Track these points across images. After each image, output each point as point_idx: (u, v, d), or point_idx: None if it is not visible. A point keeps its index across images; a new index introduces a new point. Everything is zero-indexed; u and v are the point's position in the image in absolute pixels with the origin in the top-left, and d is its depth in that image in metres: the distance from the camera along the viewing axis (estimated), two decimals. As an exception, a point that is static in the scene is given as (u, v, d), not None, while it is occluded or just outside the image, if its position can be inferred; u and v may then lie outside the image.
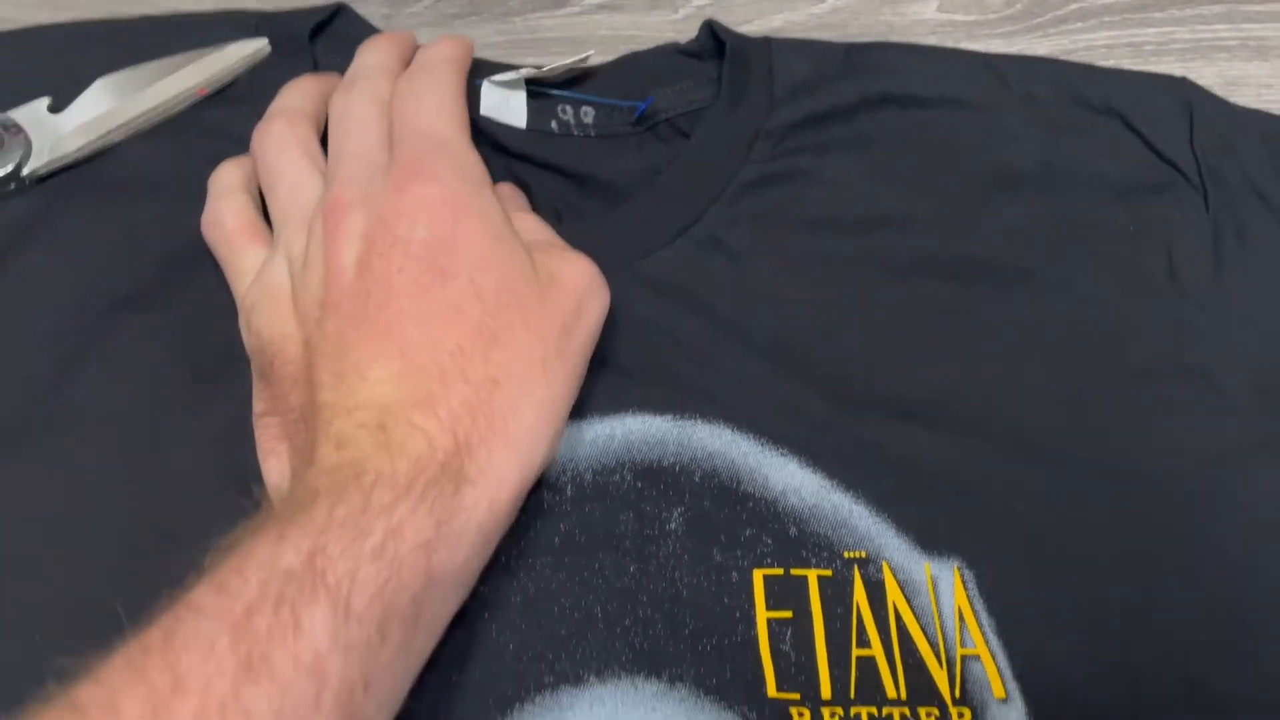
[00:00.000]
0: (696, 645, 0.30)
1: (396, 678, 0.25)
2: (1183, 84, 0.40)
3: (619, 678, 0.30)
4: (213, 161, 0.36)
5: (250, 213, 0.34)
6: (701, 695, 0.29)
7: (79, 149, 0.37)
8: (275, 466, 0.31)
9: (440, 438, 0.27)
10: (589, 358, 0.32)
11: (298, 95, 0.36)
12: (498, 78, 0.39)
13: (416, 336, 0.28)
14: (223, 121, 0.39)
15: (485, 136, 0.38)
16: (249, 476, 0.31)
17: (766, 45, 0.40)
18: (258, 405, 0.32)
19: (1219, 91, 0.40)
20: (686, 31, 0.41)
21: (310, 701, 0.22)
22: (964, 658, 0.30)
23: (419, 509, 0.26)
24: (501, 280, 0.30)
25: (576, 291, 0.31)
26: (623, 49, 0.41)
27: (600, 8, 0.45)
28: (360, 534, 0.25)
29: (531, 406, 0.29)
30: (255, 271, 0.33)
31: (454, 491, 0.26)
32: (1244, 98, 0.41)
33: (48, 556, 0.31)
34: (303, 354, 0.30)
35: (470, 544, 0.27)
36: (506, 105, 0.39)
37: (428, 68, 0.35)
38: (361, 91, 0.34)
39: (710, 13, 0.43)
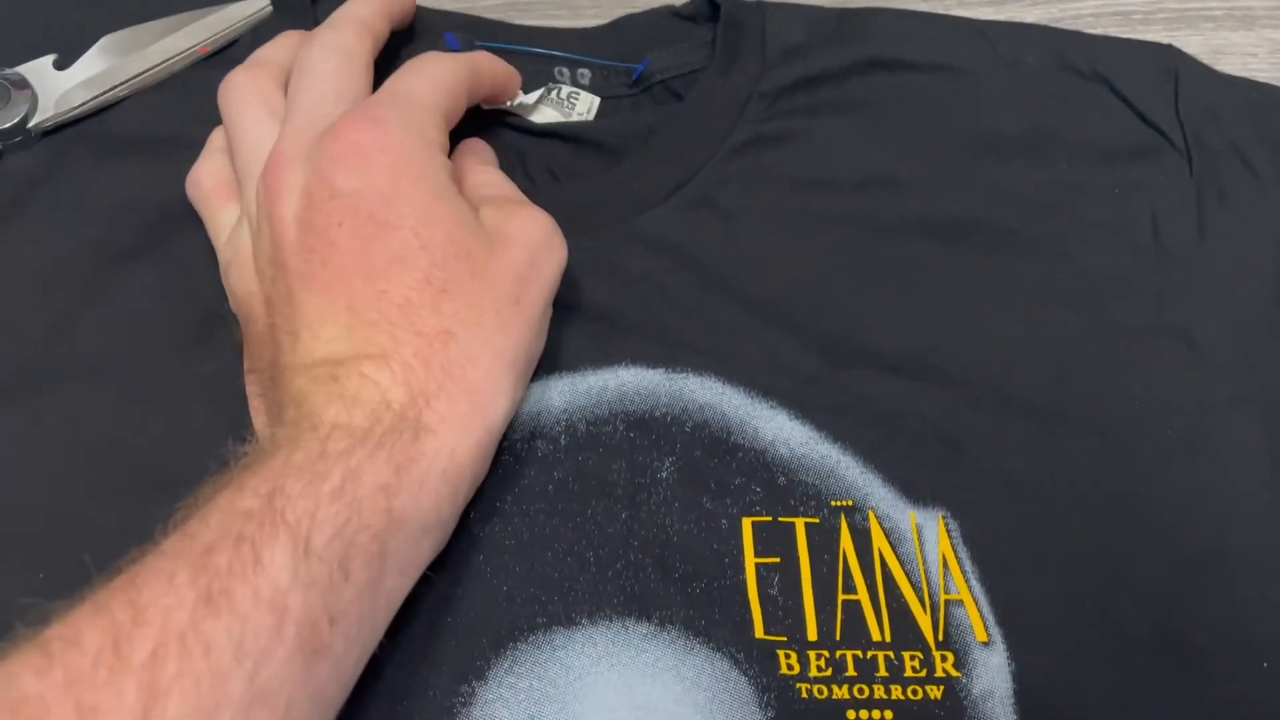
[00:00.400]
0: (686, 589, 0.30)
1: (365, 615, 0.25)
2: (1169, 51, 0.40)
3: (610, 620, 0.30)
4: (212, 120, 0.36)
5: (227, 172, 0.34)
6: (690, 637, 0.30)
7: (83, 104, 0.37)
8: (261, 422, 0.31)
9: (393, 389, 0.27)
10: (548, 310, 0.32)
11: (273, 48, 0.35)
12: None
13: (362, 290, 0.28)
14: (223, 81, 0.39)
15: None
16: (246, 427, 0.31)
17: (760, 9, 0.41)
18: (246, 361, 0.32)
19: (1204, 60, 0.41)
20: (681, -5, 0.42)
21: (271, 634, 0.23)
22: (947, 603, 0.31)
23: (377, 455, 0.26)
24: (446, 232, 0.29)
25: (528, 244, 0.31)
26: (618, 12, 0.42)
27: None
28: (318, 477, 0.25)
29: (489, 355, 0.29)
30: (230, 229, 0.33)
31: (413, 439, 0.27)
32: (1229, 66, 0.42)
33: (49, 502, 0.31)
34: (266, 313, 0.30)
35: (435, 490, 0.27)
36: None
37: (455, 58, 0.34)
38: (324, 42, 0.33)
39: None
